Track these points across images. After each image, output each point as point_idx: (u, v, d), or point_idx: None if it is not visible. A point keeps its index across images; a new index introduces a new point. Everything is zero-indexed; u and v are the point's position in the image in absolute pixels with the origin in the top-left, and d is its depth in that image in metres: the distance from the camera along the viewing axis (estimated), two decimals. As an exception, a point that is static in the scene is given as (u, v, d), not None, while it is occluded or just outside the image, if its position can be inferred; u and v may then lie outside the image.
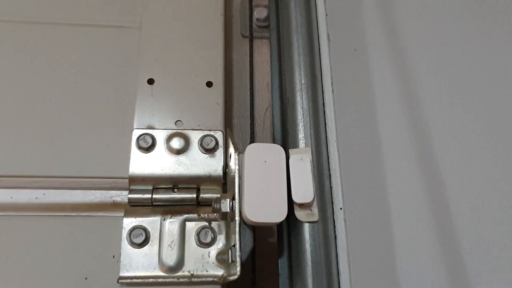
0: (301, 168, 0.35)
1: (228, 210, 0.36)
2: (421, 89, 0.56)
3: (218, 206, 0.37)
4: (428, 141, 0.53)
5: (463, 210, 0.50)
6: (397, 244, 0.45)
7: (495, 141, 0.54)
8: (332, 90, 0.40)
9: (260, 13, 0.57)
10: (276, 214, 0.33)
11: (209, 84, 0.46)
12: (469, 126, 0.54)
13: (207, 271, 0.40)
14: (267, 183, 0.34)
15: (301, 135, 0.37)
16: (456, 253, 0.47)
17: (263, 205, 0.34)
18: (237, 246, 0.34)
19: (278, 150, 0.36)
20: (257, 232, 0.45)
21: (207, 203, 0.42)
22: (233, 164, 0.37)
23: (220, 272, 0.40)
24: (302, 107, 0.38)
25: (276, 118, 0.41)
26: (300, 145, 0.37)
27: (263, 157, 0.35)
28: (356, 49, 0.63)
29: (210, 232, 0.41)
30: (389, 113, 0.54)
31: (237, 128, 0.55)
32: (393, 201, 0.48)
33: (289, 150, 0.36)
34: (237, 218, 0.34)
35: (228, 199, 0.36)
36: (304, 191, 0.34)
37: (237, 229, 0.34)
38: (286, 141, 0.38)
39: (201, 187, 0.42)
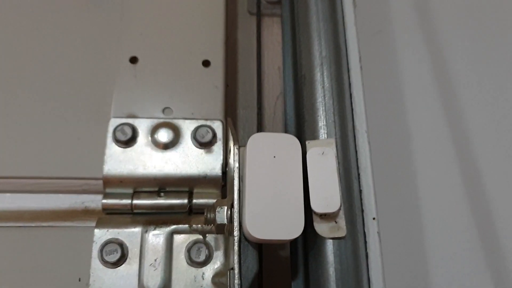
0: (323, 166, 0.26)
1: (225, 222, 0.27)
2: (458, 81, 0.48)
3: (212, 216, 0.28)
4: (465, 135, 0.44)
5: (507, 215, 0.41)
6: (433, 263, 0.37)
7: None
8: (361, 67, 0.31)
9: (270, -14, 0.49)
10: (289, 228, 0.24)
11: (206, 63, 0.38)
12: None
13: (199, 299, 0.31)
14: (277, 186, 0.25)
15: (321, 122, 0.28)
16: (501, 266, 0.38)
17: (271, 217, 0.25)
18: (236, 270, 0.25)
19: (291, 141, 0.27)
20: (265, 248, 0.36)
21: (202, 210, 0.33)
22: (232, 163, 0.28)
23: (216, 301, 0.31)
24: (323, 87, 0.28)
25: (289, 102, 0.32)
26: (320, 136, 0.28)
27: (271, 151, 0.26)
28: (381, 30, 0.55)
29: (205, 247, 0.32)
30: (420, 103, 0.45)
31: (242, 120, 0.46)
32: (427, 209, 0.39)
33: (306, 142, 0.27)
34: (236, 233, 0.25)
35: (226, 207, 0.27)
36: (327, 197, 0.25)
37: (235, 247, 0.25)
38: (302, 131, 0.29)
39: (194, 191, 0.35)
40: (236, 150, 0.28)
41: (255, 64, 0.48)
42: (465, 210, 0.38)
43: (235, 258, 0.25)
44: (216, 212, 0.28)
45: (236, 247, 0.25)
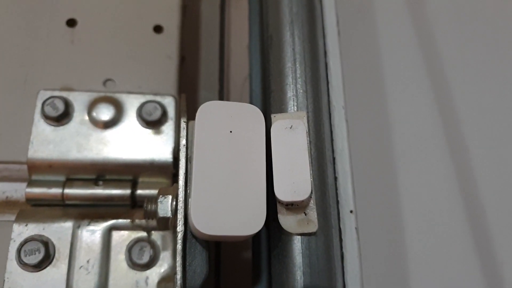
0: (291, 143, 0.20)
1: (169, 215, 0.22)
2: (443, 56, 0.44)
3: (153, 208, 0.22)
4: (453, 114, 0.40)
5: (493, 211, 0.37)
6: (416, 266, 0.32)
7: None
8: (338, 32, 0.26)
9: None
10: (247, 222, 0.19)
11: (158, 29, 0.33)
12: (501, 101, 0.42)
13: (141, 309, 0.26)
14: (233, 169, 0.20)
15: (291, 92, 0.23)
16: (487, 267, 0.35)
17: (223, 208, 0.19)
18: (179, 275, 0.19)
19: (253, 113, 0.21)
20: (223, 247, 0.31)
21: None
22: (178, 140, 0.23)
23: (161, 310, 0.25)
24: (293, 49, 0.23)
25: (254, 70, 0.27)
26: (289, 109, 0.23)
27: (227, 124, 0.21)
28: (360, 11, 0.50)
29: (149, 247, 0.27)
30: (403, 79, 0.41)
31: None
32: (410, 202, 0.35)
33: (272, 116, 0.22)
34: (179, 228, 0.20)
35: (170, 197, 0.22)
36: (295, 182, 0.20)
37: (179, 246, 0.20)
38: (268, 104, 0.24)
39: (139, 180, 0.30)
40: (184, 125, 0.22)
41: (218, 38, 0.42)
42: (453, 204, 0.34)
43: (177, 259, 0.19)
44: (158, 203, 0.22)
45: (179, 246, 0.20)
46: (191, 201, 0.19)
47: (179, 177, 0.21)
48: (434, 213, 0.35)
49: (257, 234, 0.22)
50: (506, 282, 0.34)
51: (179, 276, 0.19)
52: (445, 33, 0.46)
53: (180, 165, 0.21)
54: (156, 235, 0.28)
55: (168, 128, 0.30)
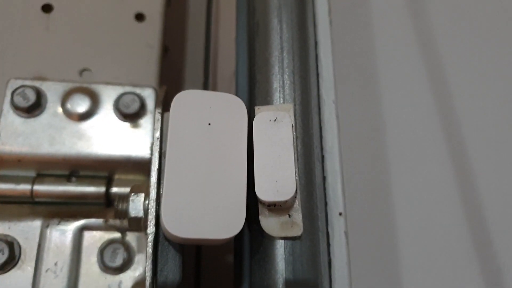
0: (275, 137, 0.19)
1: (141, 215, 0.20)
2: (437, 48, 0.43)
3: (124, 207, 0.20)
4: (449, 110, 0.39)
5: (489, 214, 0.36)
6: (408, 272, 0.31)
7: None
8: (330, 21, 0.24)
9: None
10: (224, 224, 0.17)
11: (140, 17, 0.31)
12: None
13: (113, 317, 0.24)
14: (210, 165, 0.18)
15: (277, 83, 0.21)
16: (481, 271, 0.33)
17: (198, 208, 0.17)
18: (148, 281, 0.17)
19: (234, 103, 0.19)
20: (204, 251, 0.29)
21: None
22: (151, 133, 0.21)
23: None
24: (280, 37, 0.21)
25: (240, 60, 0.25)
26: (275, 101, 0.21)
27: (205, 115, 0.19)
28: (354, 4, 0.49)
29: (123, 249, 0.25)
30: (398, 74, 0.39)
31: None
32: (402, 205, 0.33)
33: (256, 108, 0.20)
34: (150, 229, 0.18)
35: (143, 195, 0.20)
36: (278, 180, 0.18)
37: (149, 250, 0.18)
38: (253, 95, 0.22)
39: (115, 177, 0.28)
40: (158, 116, 0.20)
41: (203, 30, 0.40)
42: (448, 206, 0.32)
43: (147, 263, 0.18)
44: (130, 201, 0.20)
45: (149, 249, 0.18)
46: (162, 200, 0.17)
47: (151, 173, 0.19)
48: (429, 216, 0.33)
49: (238, 237, 0.20)
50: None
51: (148, 283, 0.18)
52: (442, 26, 0.45)
53: (153, 160, 0.19)
54: (131, 237, 0.26)
55: (147, 121, 0.28)
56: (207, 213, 0.17)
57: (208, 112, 0.19)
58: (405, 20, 0.41)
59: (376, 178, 0.31)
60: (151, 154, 0.26)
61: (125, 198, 0.21)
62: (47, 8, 0.30)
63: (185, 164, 0.18)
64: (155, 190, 0.19)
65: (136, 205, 0.20)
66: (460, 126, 0.36)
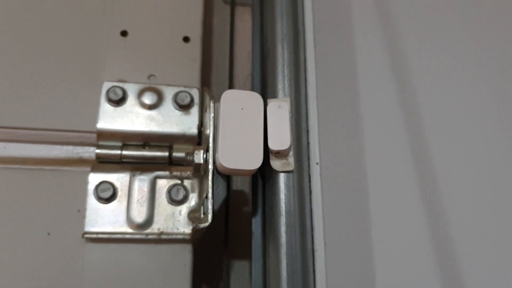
0: (279, 116, 0.33)
1: (202, 162, 0.34)
2: (410, 65, 0.55)
3: (191, 158, 0.35)
4: (417, 118, 0.51)
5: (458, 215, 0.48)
6: (372, 206, 0.44)
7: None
8: (315, 46, 0.38)
9: (242, -22, 0.55)
10: (252, 160, 0.32)
11: (186, 39, 0.44)
12: (461, 101, 0.53)
13: (177, 229, 0.38)
14: (243, 131, 0.33)
15: (280, 85, 0.35)
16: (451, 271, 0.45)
17: (238, 152, 0.32)
18: (210, 194, 0.32)
19: (256, 97, 0.34)
20: (231, 199, 0.43)
21: (180, 162, 0.40)
22: (208, 115, 0.35)
23: (190, 230, 0.38)
24: (282, 57, 0.36)
25: (255, 71, 0.39)
26: (279, 96, 0.35)
27: (240, 104, 0.33)
28: (340, 23, 0.61)
29: (182, 189, 0.39)
30: (372, 84, 0.53)
31: (215, 95, 0.53)
32: (369, 162, 0.46)
33: (268, 100, 0.35)
34: (210, 166, 0.32)
35: (202, 151, 0.34)
36: (281, 138, 0.32)
37: (210, 177, 0.32)
38: (265, 92, 0.36)
39: (174, 146, 0.40)
40: (212, 104, 0.35)
41: (228, 46, 0.55)
42: (418, 204, 0.45)
43: (209, 184, 0.32)
44: (195, 155, 0.35)
45: (210, 176, 0.32)
46: (218, 149, 0.32)
47: (210, 135, 0.34)
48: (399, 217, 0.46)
49: (256, 176, 0.35)
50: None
51: (210, 195, 0.32)
52: (413, 45, 0.55)
53: (210, 129, 0.34)
54: (186, 182, 0.40)
55: (194, 110, 0.41)
56: (242, 155, 0.32)
57: (241, 102, 0.33)
58: (381, 40, 0.54)
59: (349, 144, 0.45)
60: (200, 132, 0.40)
61: (191, 153, 0.36)
62: (124, 33, 0.44)
63: (230, 130, 0.32)
64: (212, 143, 0.33)
65: (199, 156, 0.34)
66: (426, 133, 0.48)
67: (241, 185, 0.48)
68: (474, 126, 0.52)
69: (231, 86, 0.50)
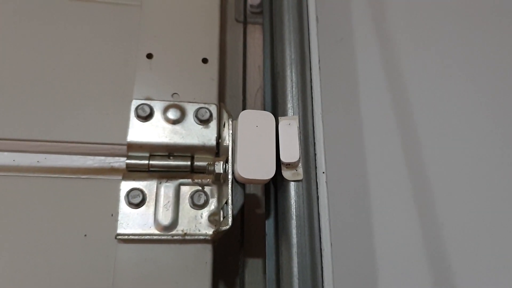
0: (289, 132, 0.38)
1: (221, 171, 0.39)
2: (408, 81, 0.59)
3: (212, 168, 0.40)
4: (414, 131, 0.56)
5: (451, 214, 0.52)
6: (374, 209, 0.49)
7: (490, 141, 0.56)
8: (319, 67, 0.43)
9: (254, -1, 0.60)
10: (266, 171, 0.37)
11: (205, 60, 0.49)
12: (458, 120, 0.57)
13: (199, 231, 0.43)
14: (258, 145, 0.38)
15: (289, 105, 0.40)
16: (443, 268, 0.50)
17: (254, 164, 0.37)
18: (229, 200, 0.37)
19: (269, 116, 0.39)
20: (246, 203, 0.48)
21: (201, 170, 0.45)
22: (226, 131, 0.40)
23: (211, 231, 0.43)
24: (291, 80, 0.41)
25: (267, 90, 0.44)
26: (289, 114, 0.40)
27: (255, 122, 0.38)
28: (342, 38, 0.66)
29: (203, 195, 0.44)
30: (373, 97, 0.57)
31: (229, 107, 0.58)
32: (371, 170, 0.51)
33: (279, 118, 0.40)
34: (229, 176, 0.37)
35: (222, 162, 0.39)
36: (291, 151, 0.37)
37: (229, 185, 0.37)
38: (276, 111, 0.41)
39: (195, 156, 0.45)
40: (230, 122, 0.40)
41: (241, 62, 0.59)
42: (413, 208, 0.50)
43: (229, 192, 0.37)
44: (215, 165, 0.40)
45: (229, 185, 0.37)
46: (237, 160, 0.37)
47: (229, 148, 0.39)
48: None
49: (269, 184, 0.40)
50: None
51: (230, 201, 0.37)
52: (411, 60, 0.60)
53: (229, 144, 0.39)
54: (207, 189, 0.45)
55: (213, 124, 0.46)
56: (257, 166, 0.36)
57: (256, 120, 0.38)
58: (378, 55, 0.59)
59: (352, 155, 0.50)
60: (219, 144, 0.45)
61: (212, 163, 0.41)
62: (149, 56, 0.49)
63: (246, 145, 0.37)
64: (231, 155, 0.38)
65: (219, 167, 0.39)
66: (420, 139, 0.53)
67: (254, 189, 0.53)
68: (475, 141, 0.56)
69: (244, 99, 0.54)
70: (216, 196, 0.44)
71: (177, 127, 0.46)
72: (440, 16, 0.66)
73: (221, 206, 0.42)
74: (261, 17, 0.60)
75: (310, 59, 0.43)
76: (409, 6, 0.67)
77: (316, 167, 0.40)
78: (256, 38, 0.64)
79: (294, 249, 0.36)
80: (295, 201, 0.37)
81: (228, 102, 0.58)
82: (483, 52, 0.62)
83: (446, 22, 0.66)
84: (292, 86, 0.41)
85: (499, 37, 0.63)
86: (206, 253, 0.43)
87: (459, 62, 0.62)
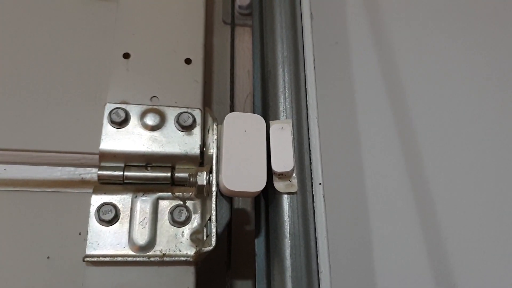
0: (282, 137, 0.33)
1: (205, 183, 0.34)
2: (405, 84, 0.57)
3: (193, 180, 0.35)
4: (411, 133, 0.53)
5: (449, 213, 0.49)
6: (373, 224, 0.45)
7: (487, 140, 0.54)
8: (314, 67, 0.39)
9: (242, 0, 0.56)
10: (255, 183, 0.32)
11: (188, 61, 0.45)
12: (454, 121, 0.55)
13: (180, 251, 0.38)
14: (246, 153, 0.33)
15: (282, 107, 0.36)
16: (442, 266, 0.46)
17: (241, 174, 0.32)
18: (213, 217, 0.32)
19: (258, 119, 0.34)
20: (234, 218, 0.43)
21: (182, 183, 0.40)
22: (210, 137, 0.35)
23: (193, 252, 0.38)
24: (283, 80, 0.36)
25: (256, 93, 0.39)
26: (281, 118, 0.36)
27: (243, 126, 0.34)
28: (337, 42, 0.63)
29: (185, 210, 0.39)
30: (369, 99, 0.54)
31: (216, 114, 0.53)
32: (369, 180, 0.47)
33: (270, 122, 0.35)
34: (214, 188, 0.33)
35: (205, 172, 0.35)
36: (284, 160, 0.33)
37: (213, 199, 0.32)
38: (267, 114, 0.37)
39: (176, 166, 0.40)
40: (215, 126, 0.35)
41: (228, 67, 0.55)
42: (413, 209, 0.46)
43: (212, 206, 0.32)
44: (198, 176, 0.35)
45: (213, 199, 0.32)
46: (221, 170, 0.32)
47: (213, 156, 0.34)
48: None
49: (259, 197, 0.35)
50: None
51: (213, 218, 0.32)
52: (407, 62, 0.58)
53: (213, 151, 0.34)
54: (189, 203, 0.40)
55: (197, 131, 0.42)
56: (245, 177, 0.32)
57: (244, 124, 0.33)
58: (375, 59, 0.56)
59: (350, 163, 0.46)
60: (203, 152, 0.40)
61: (194, 174, 0.36)
62: (126, 55, 0.44)
63: (233, 152, 0.32)
64: (215, 164, 0.33)
65: (202, 178, 0.34)
66: (419, 144, 0.50)
67: (242, 203, 0.48)
68: (474, 146, 0.53)
69: (232, 105, 0.50)
70: (199, 211, 0.39)
71: (156, 134, 0.41)
72: (436, 17, 0.64)
73: (205, 223, 0.37)
74: (250, 19, 0.56)
75: (304, 58, 0.38)
76: (405, 8, 0.64)
77: (312, 178, 0.35)
78: (245, 41, 0.60)
79: (288, 273, 0.31)
80: (288, 216, 0.32)
81: (215, 108, 0.54)
82: (480, 54, 0.60)
83: (442, 23, 0.64)
84: (284, 86, 0.36)
85: (496, 39, 0.61)
86: (188, 276, 0.38)
87: (455, 64, 0.60)
